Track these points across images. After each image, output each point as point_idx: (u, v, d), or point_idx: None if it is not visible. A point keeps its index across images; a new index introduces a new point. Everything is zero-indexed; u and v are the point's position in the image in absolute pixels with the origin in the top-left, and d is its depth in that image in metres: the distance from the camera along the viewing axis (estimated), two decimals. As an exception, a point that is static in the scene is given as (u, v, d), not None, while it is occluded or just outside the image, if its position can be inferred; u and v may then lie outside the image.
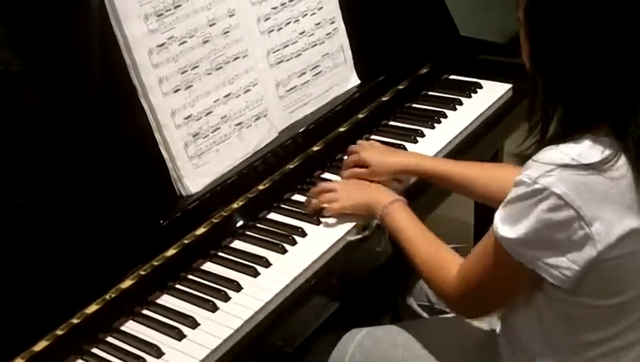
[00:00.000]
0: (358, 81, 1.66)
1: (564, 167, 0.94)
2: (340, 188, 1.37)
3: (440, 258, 1.19)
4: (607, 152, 0.96)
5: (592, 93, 0.97)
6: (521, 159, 1.03)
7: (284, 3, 1.50)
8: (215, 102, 1.36)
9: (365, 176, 1.43)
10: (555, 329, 1.07)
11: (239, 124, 1.40)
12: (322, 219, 1.37)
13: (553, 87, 1.00)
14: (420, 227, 1.26)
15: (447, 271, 1.15)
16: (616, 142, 0.97)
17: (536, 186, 0.96)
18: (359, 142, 1.54)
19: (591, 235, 0.95)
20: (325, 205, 1.36)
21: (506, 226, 1.00)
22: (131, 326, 1.17)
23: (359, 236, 1.31)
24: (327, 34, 1.59)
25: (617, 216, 0.96)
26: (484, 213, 2.03)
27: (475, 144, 1.66)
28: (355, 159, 1.46)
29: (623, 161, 0.96)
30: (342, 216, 1.35)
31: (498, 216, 1.02)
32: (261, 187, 1.40)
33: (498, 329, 1.24)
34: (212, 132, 1.35)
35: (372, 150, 1.48)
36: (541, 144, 1.02)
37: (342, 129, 1.58)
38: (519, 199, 0.98)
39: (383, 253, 1.45)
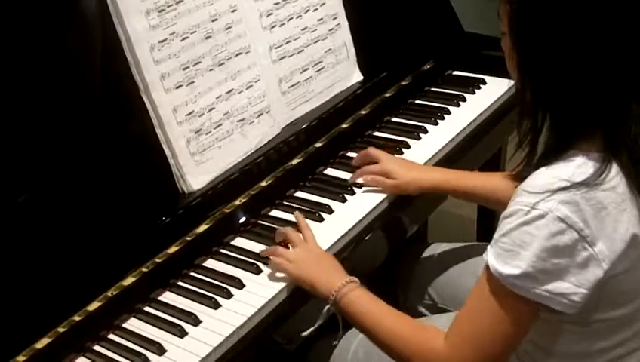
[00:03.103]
0: (361, 77, 1.65)
1: (561, 191, 0.92)
2: (295, 251, 1.23)
3: (419, 332, 1.08)
4: (598, 165, 0.95)
5: (583, 101, 0.95)
6: (517, 179, 1.01)
7: (287, -2, 1.49)
8: (217, 98, 1.36)
9: (388, 188, 1.40)
10: (559, 340, 1.05)
11: (241, 120, 1.40)
12: (326, 217, 1.36)
13: (542, 96, 0.98)
14: (385, 306, 1.13)
15: (433, 343, 1.04)
16: (607, 153, 0.96)
17: (535, 212, 0.93)
18: (374, 151, 1.47)
19: (595, 256, 0.94)
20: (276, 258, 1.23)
21: (503, 262, 0.96)
22: (133, 324, 1.17)
23: (311, 329, 1.21)
24: (330, 30, 1.59)
25: (617, 227, 0.95)
26: (487, 210, 2.04)
27: (479, 141, 1.66)
28: (377, 170, 1.42)
29: (615, 170, 0.96)
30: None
31: (490, 254, 0.98)
32: (263, 184, 1.40)
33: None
34: (214, 128, 1.35)
35: (394, 161, 1.43)
36: (531, 157, 1.00)
37: (344, 125, 1.58)
38: (515, 229, 0.95)
39: (382, 253, 1.45)
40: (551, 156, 0.97)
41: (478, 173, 1.44)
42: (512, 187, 1.25)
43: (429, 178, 1.42)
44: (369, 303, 1.14)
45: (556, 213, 0.92)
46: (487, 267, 0.99)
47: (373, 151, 1.46)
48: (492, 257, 0.97)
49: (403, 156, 1.54)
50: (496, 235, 0.98)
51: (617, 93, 0.95)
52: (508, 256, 0.95)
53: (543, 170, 0.96)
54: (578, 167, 0.95)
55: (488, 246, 0.99)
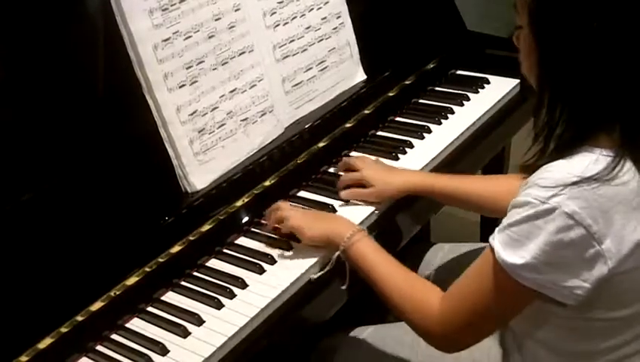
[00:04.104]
0: (365, 77, 1.65)
1: (572, 185, 0.92)
2: (299, 218, 1.26)
3: (418, 288, 1.12)
4: (610, 160, 0.94)
5: (604, 95, 0.95)
6: (527, 171, 1.00)
7: (290, -3, 1.49)
8: (220, 97, 1.35)
9: (367, 196, 1.38)
10: (563, 338, 1.05)
11: (245, 119, 1.39)
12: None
13: (563, 90, 0.97)
14: (389, 258, 1.17)
15: (428, 302, 1.08)
16: (622, 148, 0.95)
17: (546, 206, 0.93)
18: (354, 156, 1.48)
19: (602, 252, 0.94)
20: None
21: (509, 251, 0.96)
22: (136, 324, 1.17)
23: (320, 273, 1.23)
24: (334, 29, 1.58)
25: (626, 224, 0.94)
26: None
27: (482, 140, 1.65)
28: (355, 178, 1.40)
29: (628, 165, 0.95)
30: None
31: (497, 240, 0.98)
32: (267, 183, 1.39)
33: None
34: (217, 128, 1.34)
35: (372, 168, 1.41)
36: (544, 151, 0.99)
37: (348, 124, 1.57)
38: (524, 221, 0.95)
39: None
40: (564, 150, 0.97)
41: (462, 175, 1.42)
42: (496, 192, 1.28)
43: (407, 180, 1.39)
44: (375, 254, 1.18)
45: (565, 209, 0.92)
46: (491, 249, 0.99)
47: (352, 160, 1.46)
48: (498, 243, 0.98)
49: (406, 156, 1.55)
50: (505, 222, 0.99)
51: (638, 83, 0.94)
52: (514, 245, 0.96)
53: (556, 163, 0.96)
54: (592, 162, 0.94)
55: (496, 230, 1.00)
